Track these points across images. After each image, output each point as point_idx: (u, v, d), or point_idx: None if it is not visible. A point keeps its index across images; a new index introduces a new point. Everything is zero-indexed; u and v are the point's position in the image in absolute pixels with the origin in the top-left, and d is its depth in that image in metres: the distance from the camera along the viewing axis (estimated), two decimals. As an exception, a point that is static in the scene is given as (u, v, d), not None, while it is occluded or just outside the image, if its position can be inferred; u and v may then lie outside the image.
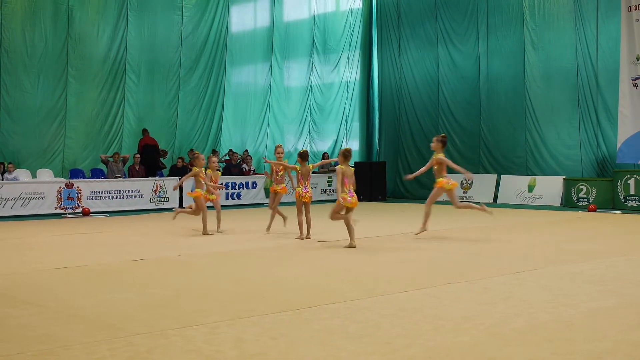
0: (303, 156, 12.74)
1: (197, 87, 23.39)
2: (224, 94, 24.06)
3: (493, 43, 23.42)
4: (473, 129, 23.94)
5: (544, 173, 21.94)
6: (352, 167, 11.95)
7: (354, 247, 11.42)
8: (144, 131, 21.71)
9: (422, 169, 13.36)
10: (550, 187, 21.32)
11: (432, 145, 13.10)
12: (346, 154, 11.85)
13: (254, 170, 23.28)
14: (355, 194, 11.66)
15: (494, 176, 23.00)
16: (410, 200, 24.47)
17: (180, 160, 21.92)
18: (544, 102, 22.10)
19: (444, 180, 12.89)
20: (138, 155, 21.08)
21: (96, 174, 20.82)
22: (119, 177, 20.19)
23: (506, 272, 8.84)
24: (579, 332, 5.93)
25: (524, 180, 22.02)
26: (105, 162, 20.64)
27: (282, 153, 13.60)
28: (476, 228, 14.71)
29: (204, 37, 23.46)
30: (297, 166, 12.72)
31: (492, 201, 22.51)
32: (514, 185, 22.19)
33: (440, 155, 12.87)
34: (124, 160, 20.92)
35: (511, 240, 12.58)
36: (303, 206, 12.71)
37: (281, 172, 13.59)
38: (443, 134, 13.68)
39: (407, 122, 26.07)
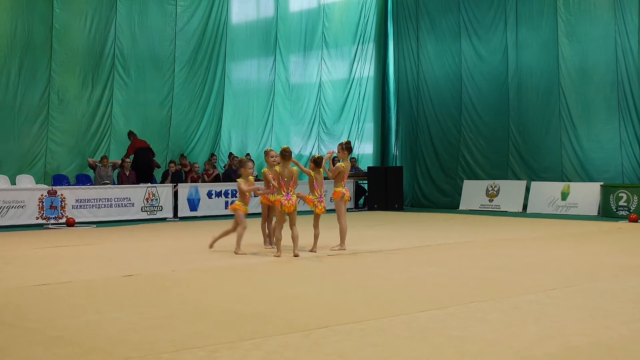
0: (317, 162, 12.66)
1: (193, 84, 23.44)
2: (223, 92, 24.11)
3: (523, 35, 23.38)
4: (500, 130, 23.90)
5: (580, 179, 21.87)
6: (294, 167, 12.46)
7: (297, 255, 12.01)
8: (132, 134, 21.66)
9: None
10: (586, 194, 21.25)
11: (339, 154, 13.09)
12: (284, 154, 12.12)
13: (256, 176, 23.25)
14: (292, 197, 12.00)
15: (524, 182, 22.96)
16: (430, 209, 24.44)
17: (172, 164, 21.92)
18: (580, 100, 22.04)
19: (343, 191, 12.84)
20: (128, 160, 21.11)
21: (82, 180, 20.87)
22: (107, 183, 20.24)
23: (537, 290, 8.81)
24: (619, 357, 5.89)
25: (556, 187, 21.97)
26: (94, 167, 20.69)
27: (275, 156, 13.36)
28: (503, 240, 14.67)
29: (201, 28, 23.52)
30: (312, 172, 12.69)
31: (521, 210, 22.49)
32: (545, 192, 22.14)
33: (346, 164, 13.06)
34: (114, 166, 20.95)
35: (542, 254, 12.54)
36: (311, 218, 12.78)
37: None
38: (348, 140, 13.92)
39: (426, 122, 26.05)
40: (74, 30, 21.17)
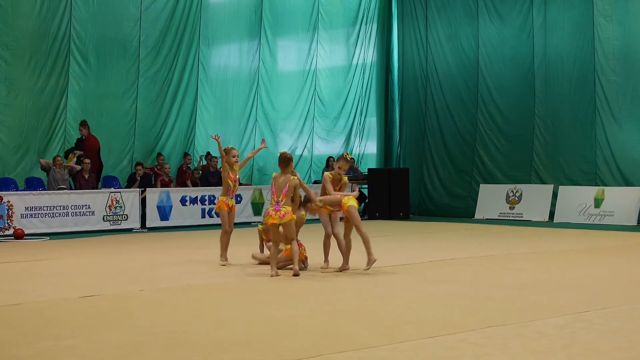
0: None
1: (161, 71, 23.40)
2: (197, 81, 24.09)
3: (552, 14, 23.39)
4: (524, 125, 23.92)
5: (616, 183, 21.88)
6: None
7: (278, 275, 11.94)
8: (86, 125, 21.42)
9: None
10: (624, 200, 21.29)
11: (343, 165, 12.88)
12: (279, 159, 12.32)
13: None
14: (282, 208, 11.99)
15: (550, 187, 22.99)
16: (441, 218, 24.45)
17: (139, 167, 21.88)
18: (619, 91, 22.02)
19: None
20: (88, 161, 21.06)
21: (33, 184, 20.81)
22: (63, 188, 20.21)
23: (567, 312, 8.86)
24: (662, 389, 5.95)
25: (588, 192, 21.98)
26: (47, 169, 20.64)
27: (237, 156, 13.63)
28: (526, 254, 14.72)
29: (171, 6, 23.49)
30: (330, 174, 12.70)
31: (547, 219, 22.52)
32: (575, 198, 22.18)
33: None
34: (70, 170, 20.78)
35: (572, 270, 12.59)
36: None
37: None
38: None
39: (435, 117, 26.09)
40: (22, 9, 21.12)
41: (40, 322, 8.61)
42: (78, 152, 21.14)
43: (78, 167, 20.92)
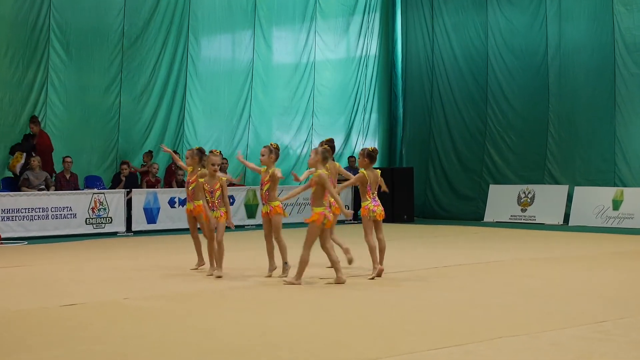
0: (372, 157, 12.75)
1: (147, 63, 23.31)
2: (186, 74, 24.06)
3: (567, 2, 23.35)
4: (537, 122, 23.91)
5: (636, 183, 21.83)
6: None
7: (343, 282, 11.83)
8: (37, 121, 21.14)
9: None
10: (645, 203, 21.33)
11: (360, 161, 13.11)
12: (326, 155, 12.17)
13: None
14: (333, 208, 12.00)
15: (565, 188, 22.97)
16: (448, 221, 24.44)
17: (124, 166, 21.87)
18: (642, 84, 22.10)
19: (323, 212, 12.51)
20: (70, 159, 21.04)
21: (9, 185, 20.80)
22: (42, 189, 20.19)
23: (583, 322, 8.86)
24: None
25: (606, 194, 21.96)
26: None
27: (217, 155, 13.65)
28: (538, 260, 14.73)
29: (157, -6, 23.54)
30: (364, 172, 12.66)
31: (561, 222, 22.50)
32: (592, 200, 22.16)
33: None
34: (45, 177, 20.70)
35: (589, 277, 12.59)
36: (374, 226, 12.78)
37: (218, 192, 13.34)
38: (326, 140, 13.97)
39: (442, 113, 26.09)
40: (-2, -4, 21.18)
41: (17, 333, 8.60)
42: (33, 156, 20.70)
43: (45, 178, 20.67)
